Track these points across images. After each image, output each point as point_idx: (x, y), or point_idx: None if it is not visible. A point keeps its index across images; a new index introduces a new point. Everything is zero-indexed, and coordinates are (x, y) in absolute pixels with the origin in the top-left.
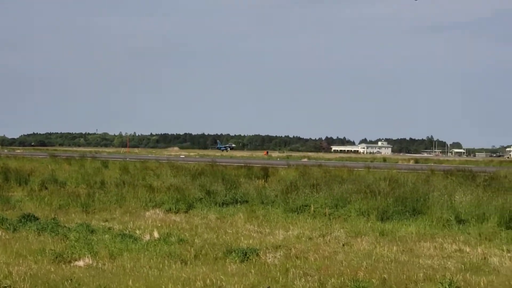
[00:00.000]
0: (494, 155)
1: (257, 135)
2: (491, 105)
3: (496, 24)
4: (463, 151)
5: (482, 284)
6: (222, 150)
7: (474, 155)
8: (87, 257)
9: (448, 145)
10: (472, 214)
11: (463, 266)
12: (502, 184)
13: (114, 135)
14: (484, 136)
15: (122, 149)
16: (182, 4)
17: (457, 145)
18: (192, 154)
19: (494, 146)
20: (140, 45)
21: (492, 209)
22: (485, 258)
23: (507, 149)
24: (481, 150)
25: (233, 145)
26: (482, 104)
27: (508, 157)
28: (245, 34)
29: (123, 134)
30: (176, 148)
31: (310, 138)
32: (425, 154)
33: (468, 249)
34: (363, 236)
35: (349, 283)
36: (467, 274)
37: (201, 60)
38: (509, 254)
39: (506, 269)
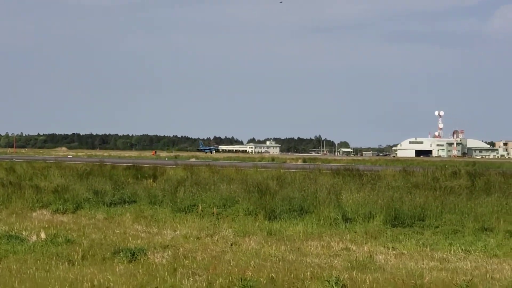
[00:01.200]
0: (381, 154)
1: (145, 135)
2: (378, 104)
3: (380, 25)
4: (351, 150)
5: (367, 281)
6: (206, 152)
7: (362, 154)
8: None
9: (336, 144)
10: (358, 212)
11: (349, 264)
12: (388, 183)
13: (1, 135)
14: (371, 135)
15: (9, 150)
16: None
17: (345, 144)
18: (80, 154)
19: (381, 145)
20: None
21: (378, 208)
22: (371, 256)
23: (394, 148)
24: (368, 149)
25: (218, 147)
26: (369, 104)
27: (394, 156)
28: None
29: (10, 134)
30: (64, 148)
31: (199, 138)
32: (313, 154)
33: (354, 247)
34: (251, 236)
35: (237, 282)
36: (354, 272)
37: (84, 60)
38: (394, 252)
39: (391, 266)
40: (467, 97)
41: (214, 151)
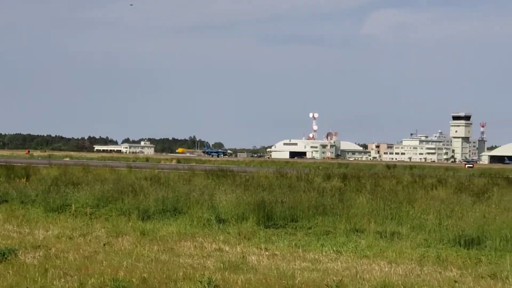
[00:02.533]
0: (255, 155)
1: (18, 134)
2: (253, 106)
3: (256, 25)
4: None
5: (239, 282)
6: (213, 156)
7: (236, 155)
8: None
9: (211, 145)
10: (232, 213)
11: (222, 265)
12: (261, 184)
13: None
14: (246, 136)
15: None
16: None
17: (219, 145)
18: None
19: (255, 146)
20: None
21: (251, 209)
22: (244, 256)
23: (268, 149)
24: (242, 151)
25: (227, 151)
26: (244, 105)
27: (268, 158)
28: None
29: None
30: None
31: (73, 138)
32: (188, 154)
33: (227, 248)
34: (124, 236)
35: (109, 283)
36: (226, 273)
37: None
38: (267, 253)
39: (264, 267)
40: (341, 100)
41: (222, 155)
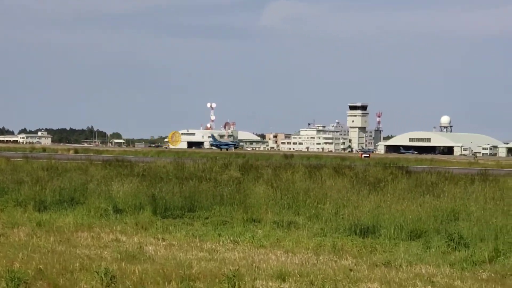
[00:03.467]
0: (153, 145)
1: None
2: (151, 96)
3: (155, 16)
4: (123, 141)
5: (137, 272)
6: (222, 149)
7: (134, 145)
8: None
9: (108, 136)
10: (129, 204)
11: (119, 255)
12: (158, 174)
13: None
14: (143, 126)
15: None
16: None
17: (117, 135)
18: None
19: (153, 136)
20: None
21: (148, 199)
22: (141, 247)
23: (166, 139)
24: (140, 141)
25: (238, 142)
26: (142, 95)
27: (166, 148)
28: None
29: None
30: None
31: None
32: (86, 144)
33: (124, 238)
34: (20, 227)
35: (4, 274)
36: (123, 263)
37: None
38: (164, 243)
39: (161, 257)
40: (239, 90)
41: (233, 148)
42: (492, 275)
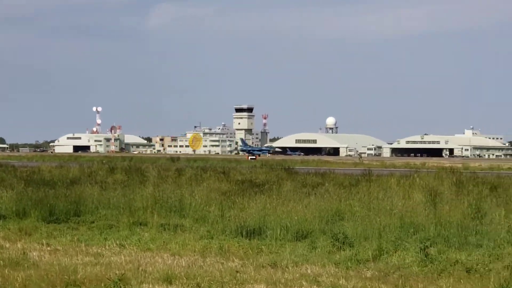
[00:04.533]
0: (38, 150)
1: None
2: (34, 100)
3: (37, 19)
4: (7, 146)
5: (19, 279)
6: (255, 155)
7: (18, 150)
8: None
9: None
10: (12, 209)
11: (2, 262)
12: (43, 178)
13: None
14: (28, 131)
15: None
16: None
17: (1, 140)
18: None
19: (38, 141)
20: None
21: (32, 204)
22: (24, 253)
23: (51, 144)
24: (25, 145)
25: (272, 148)
26: (26, 99)
27: (52, 152)
28: None
29: None
30: None
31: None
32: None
33: (8, 245)
34: None
35: None
36: (6, 270)
37: None
38: (48, 248)
39: (45, 263)
40: (125, 93)
41: (268, 154)
42: (376, 273)
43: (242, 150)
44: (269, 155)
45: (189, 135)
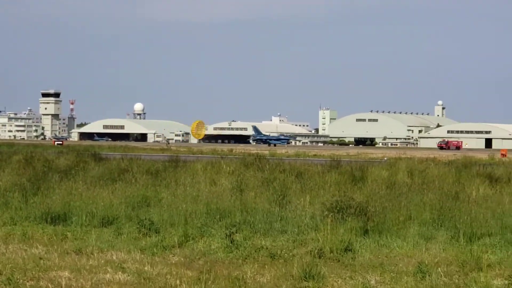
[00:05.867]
0: None
1: None
2: None
3: None
4: None
5: None
6: (270, 145)
7: None
8: None
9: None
10: None
11: None
12: None
13: None
14: None
15: None
16: None
17: None
18: None
19: None
20: None
21: None
22: None
23: None
24: None
25: (291, 137)
26: None
27: None
28: None
29: None
30: None
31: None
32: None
33: None
34: None
35: None
36: None
37: None
38: None
39: None
40: None
41: (286, 144)
42: (182, 259)
43: (256, 140)
44: (286, 144)
45: None
